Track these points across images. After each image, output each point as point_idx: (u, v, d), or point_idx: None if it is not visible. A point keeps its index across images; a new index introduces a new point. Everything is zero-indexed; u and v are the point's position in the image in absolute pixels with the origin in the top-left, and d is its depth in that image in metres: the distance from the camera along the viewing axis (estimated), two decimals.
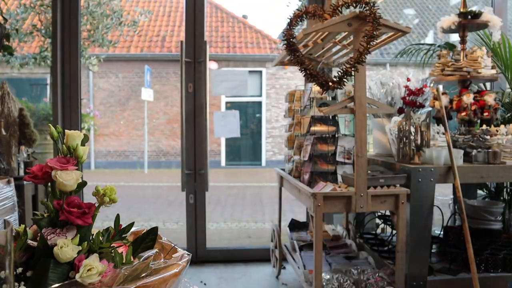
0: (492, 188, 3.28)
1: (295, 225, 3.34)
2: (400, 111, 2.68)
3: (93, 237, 0.83)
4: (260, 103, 13.13)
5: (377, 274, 2.32)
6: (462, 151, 2.44)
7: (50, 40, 6.13)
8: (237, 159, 13.31)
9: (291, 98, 3.05)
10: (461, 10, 2.87)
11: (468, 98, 2.73)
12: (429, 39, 12.36)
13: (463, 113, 2.75)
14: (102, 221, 4.77)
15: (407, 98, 2.63)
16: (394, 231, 2.80)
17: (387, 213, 2.94)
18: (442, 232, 2.86)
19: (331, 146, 2.49)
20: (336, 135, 2.53)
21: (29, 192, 2.91)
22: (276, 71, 12.86)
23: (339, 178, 2.40)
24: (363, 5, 1.99)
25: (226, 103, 12.94)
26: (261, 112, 13.10)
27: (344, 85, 2.06)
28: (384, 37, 2.36)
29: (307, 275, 2.42)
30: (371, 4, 1.85)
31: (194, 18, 3.60)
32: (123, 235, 0.87)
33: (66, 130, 0.89)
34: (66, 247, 0.76)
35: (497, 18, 2.84)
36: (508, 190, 3.21)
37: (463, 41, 2.94)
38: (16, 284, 0.73)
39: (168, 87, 13.06)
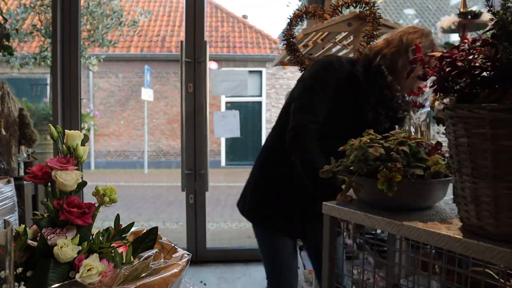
0: None
1: None
2: None
3: (93, 237, 0.83)
4: (260, 103, 13.13)
5: (377, 274, 2.32)
6: None
7: (50, 40, 6.12)
8: (237, 159, 13.31)
9: None
10: (461, 10, 2.87)
11: None
12: None
13: None
14: (102, 221, 4.77)
15: (407, 98, 2.63)
16: None
17: None
18: None
19: None
20: None
21: (29, 192, 2.92)
22: (276, 71, 12.87)
23: None
24: (363, 5, 1.99)
25: (226, 103, 12.94)
26: (261, 112, 13.11)
27: None
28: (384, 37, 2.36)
29: (307, 275, 2.42)
30: (371, 4, 1.86)
31: (194, 18, 3.61)
32: (123, 235, 0.87)
33: (66, 130, 0.89)
34: (66, 247, 0.76)
35: None
36: None
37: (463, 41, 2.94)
38: (16, 284, 0.73)
39: (168, 87, 13.06)
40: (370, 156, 1.15)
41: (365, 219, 1.20)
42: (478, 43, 0.92)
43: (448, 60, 0.91)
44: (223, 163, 13.08)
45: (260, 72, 13.10)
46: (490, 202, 0.90)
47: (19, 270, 0.75)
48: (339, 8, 2.10)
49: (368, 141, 1.22)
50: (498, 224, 0.90)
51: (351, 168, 1.20)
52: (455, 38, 3.40)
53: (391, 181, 1.10)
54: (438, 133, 2.70)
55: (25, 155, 3.09)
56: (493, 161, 0.87)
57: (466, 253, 0.94)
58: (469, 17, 2.84)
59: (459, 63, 0.90)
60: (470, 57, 0.89)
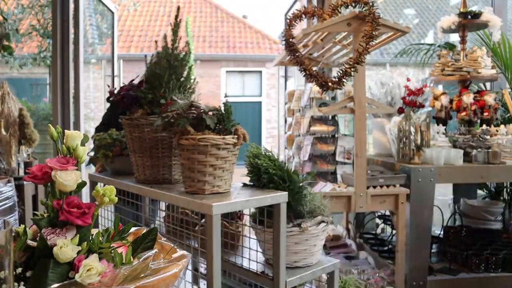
0: (492, 188, 3.28)
1: None
2: (400, 111, 2.68)
3: (93, 237, 0.83)
4: (260, 103, 13.12)
5: (377, 274, 2.33)
6: (462, 151, 2.44)
7: (48, 40, 6.12)
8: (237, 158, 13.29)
9: (291, 98, 3.05)
10: (461, 10, 2.87)
11: (468, 98, 2.73)
12: (429, 39, 12.35)
13: (463, 113, 2.75)
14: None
15: (407, 98, 2.63)
16: (394, 231, 2.80)
17: (387, 213, 2.94)
18: (442, 232, 2.86)
19: (331, 146, 2.49)
20: (336, 135, 2.53)
21: (29, 192, 2.91)
22: (276, 71, 12.86)
23: (339, 178, 2.40)
24: (362, 5, 1.99)
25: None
26: (261, 112, 13.10)
27: (344, 85, 2.06)
28: (383, 37, 2.36)
29: None
30: (370, 4, 1.86)
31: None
32: (123, 235, 0.87)
33: (66, 130, 0.89)
34: (65, 247, 0.76)
35: (497, 18, 2.85)
36: (508, 190, 3.21)
37: (463, 41, 2.94)
38: (16, 284, 0.73)
39: None
40: (104, 142, 1.81)
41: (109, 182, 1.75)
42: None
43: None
44: None
45: (260, 72, 13.09)
46: (142, 165, 1.62)
47: (19, 270, 0.75)
48: (339, 8, 2.10)
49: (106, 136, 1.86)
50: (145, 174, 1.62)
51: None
52: (455, 38, 3.40)
53: (107, 157, 1.78)
54: (438, 133, 2.70)
55: (25, 155, 3.09)
56: (138, 144, 1.60)
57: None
58: (469, 17, 2.84)
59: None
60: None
